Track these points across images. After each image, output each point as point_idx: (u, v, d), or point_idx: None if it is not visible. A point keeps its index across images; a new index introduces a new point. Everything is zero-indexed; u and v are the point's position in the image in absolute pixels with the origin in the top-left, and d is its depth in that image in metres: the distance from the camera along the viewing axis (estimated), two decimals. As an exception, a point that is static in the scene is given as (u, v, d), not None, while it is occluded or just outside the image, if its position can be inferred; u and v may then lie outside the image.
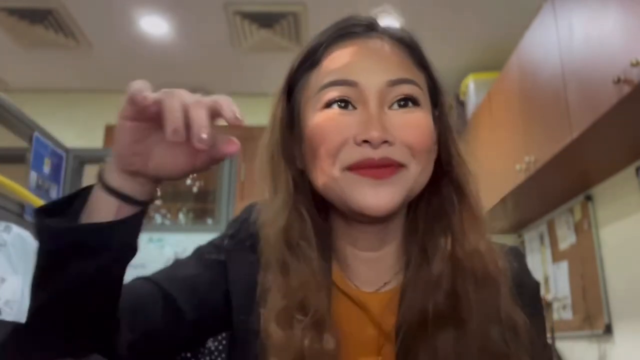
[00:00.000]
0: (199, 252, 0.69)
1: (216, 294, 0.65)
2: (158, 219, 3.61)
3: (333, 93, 0.60)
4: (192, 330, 0.64)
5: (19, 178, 1.77)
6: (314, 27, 2.96)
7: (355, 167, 0.58)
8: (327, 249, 0.65)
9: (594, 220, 2.52)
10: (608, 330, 2.38)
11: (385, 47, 0.63)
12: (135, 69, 3.43)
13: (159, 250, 2.23)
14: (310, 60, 0.64)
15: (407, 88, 0.61)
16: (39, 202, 1.25)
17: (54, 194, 2.07)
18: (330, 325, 0.59)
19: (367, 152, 0.57)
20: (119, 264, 0.53)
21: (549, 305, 2.63)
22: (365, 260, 0.66)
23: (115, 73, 3.49)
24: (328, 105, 0.60)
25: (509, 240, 3.43)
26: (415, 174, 0.60)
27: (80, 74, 3.53)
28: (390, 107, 0.60)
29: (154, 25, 3.00)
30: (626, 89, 1.61)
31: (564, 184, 2.51)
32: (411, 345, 0.60)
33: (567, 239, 2.77)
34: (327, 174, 0.59)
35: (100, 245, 0.50)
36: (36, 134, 1.86)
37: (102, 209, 0.51)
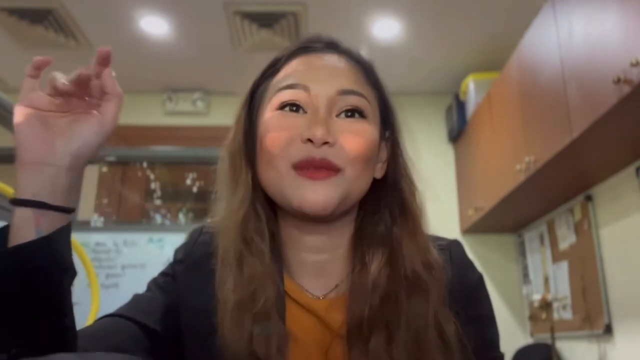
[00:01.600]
0: (151, 281, 0.73)
1: (170, 308, 0.68)
2: (158, 219, 3.61)
3: (286, 95, 0.65)
4: (167, 346, 0.67)
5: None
6: (314, 27, 2.96)
7: (299, 167, 0.62)
8: (278, 256, 0.69)
9: (594, 220, 2.52)
10: (608, 330, 2.38)
11: (340, 62, 0.69)
12: (135, 69, 3.43)
13: (159, 250, 2.23)
14: (271, 70, 0.70)
15: (355, 99, 0.66)
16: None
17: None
18: (276, 318, 0.63)
19: (310, 151, 0.62)
20: (51, 282, 0.54)
21: (549, 305, 2.63)
22: (313, 264, 0.69)
23: (116, 73, 3.49)
24: (281, 107, 0.65)
25: (509, 240, 3.43)
26: (351, 178, 0.64)
27: (80, 74, 3.53)
28: (338, 115, 0.65)
29: (154, 25, 3.00)
30: (626, 89, 1.61)
31: (564, 184, 2.51)
32: (352, 347, 0.64)
33: (567, 239, 2.78)
34: (275, 169, 0.64)
35: (22, 267, 0.51)
36: (36, 134, 1.86)
37: (22, 228, 0.52)
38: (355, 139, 0.64)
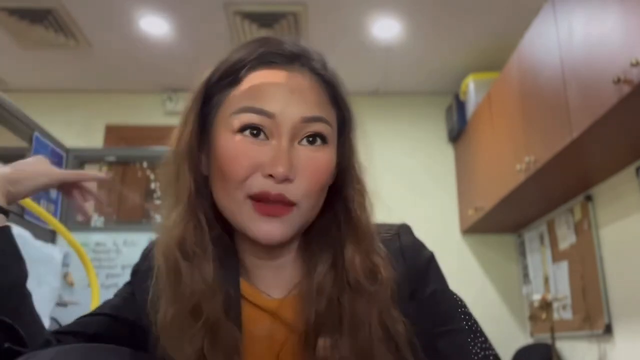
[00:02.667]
0: (118, 290, 0.77)
1: (133, 313, 0.72)
2: (158, 219, 3.61)
3: (249, 118, 0.63)
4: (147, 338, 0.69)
5: (19, 178, 1.77)
6: (314, 27, 2.96)
7: (255, 199, 0.62)
8: (234, 259, 0.69)
9: (594, 220, 2.52)
10: (608, 330, 2.38)
11: (304, 82, 0.66)
12: (135, 69, 3.43)
13: (159, 250, 2.23)
14: (231, 77, 0.66)
15: (318, 126, 0.65)
16: (36, 206, 1.25)
17: (54, 194, 2.07)
18: (227, 331, 0.62)
19: (267, 186, 0.61)
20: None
21: (549, 305, 2.63)
22: (267, 268, 0.70)
23: (115, 73, 3.49)
24: (242, 129, 0.63)
25: (509, 240, 3.43)
26: (306, 211, 0.64)
27: (80, 74, 3.53)
28: (300, 141, 0.64)
29: (154, 25, 3.00)
30: (626, 89, 1.61)
31: (564, 184, 2.51)
32: (303, 350, 0.65)
33: (567, 239, 2.78)
34: (232, 198, 0.63)
35: None
36: (36, 134, 1.86)
37: None
38: (314, 172, 0.63)
